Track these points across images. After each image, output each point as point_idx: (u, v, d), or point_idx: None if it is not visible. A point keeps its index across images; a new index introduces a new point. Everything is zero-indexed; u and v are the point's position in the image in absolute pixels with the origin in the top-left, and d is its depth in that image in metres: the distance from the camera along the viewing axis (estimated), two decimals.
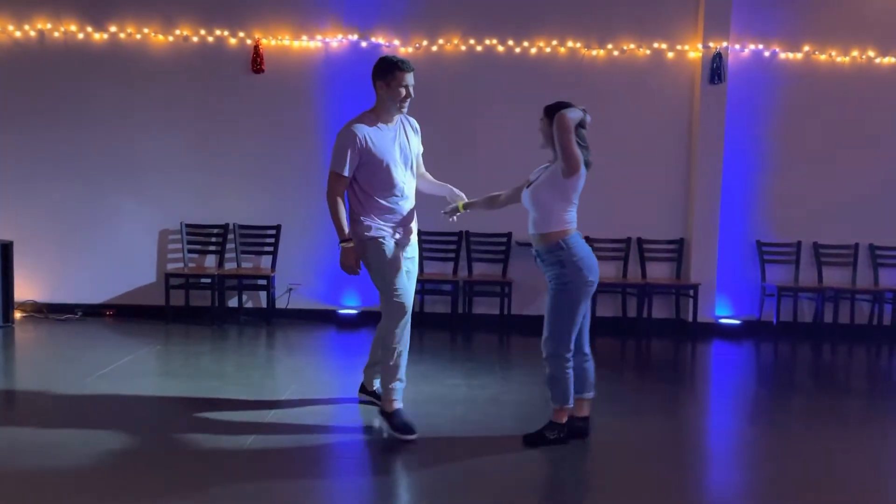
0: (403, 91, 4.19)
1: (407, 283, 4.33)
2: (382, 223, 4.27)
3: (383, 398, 4.33)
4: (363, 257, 4.29)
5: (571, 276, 3.93)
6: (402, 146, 4.32)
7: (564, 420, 4.08)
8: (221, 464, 3.73)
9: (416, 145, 4.44)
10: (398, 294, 4.25)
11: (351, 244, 4.19)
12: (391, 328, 4.27)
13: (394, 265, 4.27)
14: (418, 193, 4.56)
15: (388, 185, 4.25)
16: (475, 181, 5.88)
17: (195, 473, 3.62)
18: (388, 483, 3.67)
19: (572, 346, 4.02)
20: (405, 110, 4.29)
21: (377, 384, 4.63)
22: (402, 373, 4.33)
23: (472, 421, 4.51)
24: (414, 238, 4.51)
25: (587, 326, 4.17)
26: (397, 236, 4.33)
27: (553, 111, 3.95)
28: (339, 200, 4.22)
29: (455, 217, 4.60)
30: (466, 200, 4.52)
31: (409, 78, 4.20)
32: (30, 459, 3.73)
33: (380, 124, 4.26)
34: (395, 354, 4.28)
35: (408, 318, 4.31)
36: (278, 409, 4.59)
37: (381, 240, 4.25)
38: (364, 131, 4.19)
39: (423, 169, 4.61)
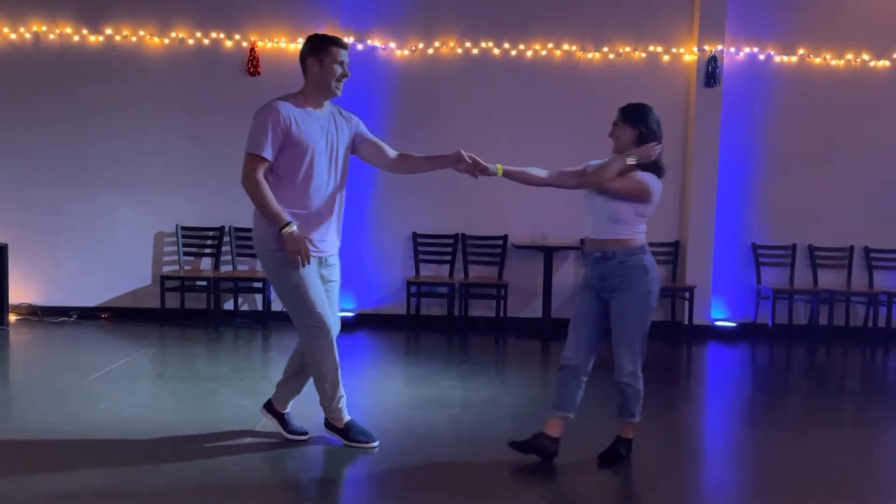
0: (339, 68, 3.75)
1: (327, 304, 3.82)
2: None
3: (330, 417, 4.02)
4: (266, 271, 3.85)
5: (653, 283, 3.79)
6: (329, 136, 3.83)
7: (632, 434, 3.96)
8: (218, 465, 3.72)
9: (346, 138, 3.92)
10: (316, 317, 3.76)
11: (294, 228, 3.66)
12: (318, 358, 3.83)
13: (306, 284, 3.73)
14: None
15: (307, 178, 3.75)
16: (472, 183, 5.86)
17: (191, 475, 3.61)
18: (385, 483, 3.66)
19: None
20: (340, 92, 3.80)
21: (290, 407, 4.14)
22: (341, 389, 3.97)
23: (468, 422, 4.51)
24: (335, 254, 3.97)
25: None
26: (311, 248, 3.75)
27: (635, 115, 3.76)
28: (262, 182, 3.69)
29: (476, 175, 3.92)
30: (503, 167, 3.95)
31: (345, 55, 3.77)
32: (24, 462, 3.72)
33: (308, 108, 3.78)
34: (331, 380, 3.89)
35: (333, 340, 3.83)
36: None
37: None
38: (289, 110, 3.70)
39: (392, 151, 3.98)
